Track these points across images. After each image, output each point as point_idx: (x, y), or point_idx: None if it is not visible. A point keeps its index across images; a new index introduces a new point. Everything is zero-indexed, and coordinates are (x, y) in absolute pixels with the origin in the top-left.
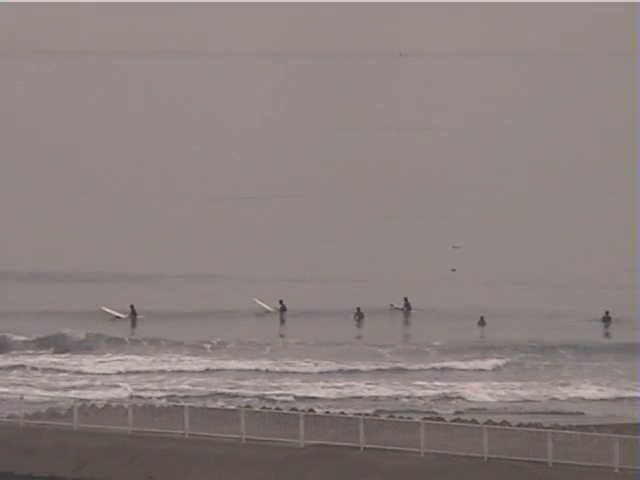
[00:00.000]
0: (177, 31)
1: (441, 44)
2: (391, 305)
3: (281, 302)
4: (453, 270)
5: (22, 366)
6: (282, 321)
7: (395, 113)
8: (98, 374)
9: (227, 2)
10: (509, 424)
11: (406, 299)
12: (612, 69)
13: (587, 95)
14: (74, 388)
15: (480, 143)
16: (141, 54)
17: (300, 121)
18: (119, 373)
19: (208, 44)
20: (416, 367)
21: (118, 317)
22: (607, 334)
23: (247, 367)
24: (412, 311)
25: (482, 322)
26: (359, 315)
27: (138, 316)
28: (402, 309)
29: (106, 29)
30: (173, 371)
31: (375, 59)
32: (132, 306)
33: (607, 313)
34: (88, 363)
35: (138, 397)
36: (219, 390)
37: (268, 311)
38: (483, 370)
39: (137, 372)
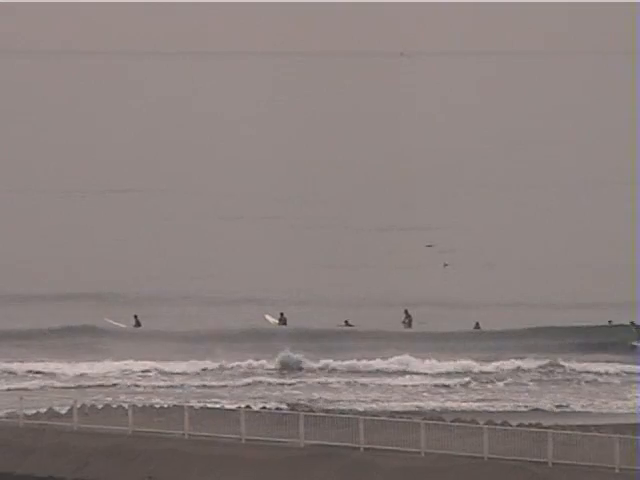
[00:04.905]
0: (177, 31)
1: (441, 44)
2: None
3: (282, 315)
4: (445, 265)
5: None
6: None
7: (394, 113)
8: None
9: (227, 2)
10: (509, 424)
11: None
12: (611, 69)
13: (586, 95)
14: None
15: (478, 142)
16: (141, 54)
17: (298, 122)
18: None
19: (208, 44)
20: None
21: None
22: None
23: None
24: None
25: (477, 326)
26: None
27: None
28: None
29: (106, 29)
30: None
31: (375, 58)
32: (136, 316)
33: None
34: (88, 368)
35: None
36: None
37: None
38: None
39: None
